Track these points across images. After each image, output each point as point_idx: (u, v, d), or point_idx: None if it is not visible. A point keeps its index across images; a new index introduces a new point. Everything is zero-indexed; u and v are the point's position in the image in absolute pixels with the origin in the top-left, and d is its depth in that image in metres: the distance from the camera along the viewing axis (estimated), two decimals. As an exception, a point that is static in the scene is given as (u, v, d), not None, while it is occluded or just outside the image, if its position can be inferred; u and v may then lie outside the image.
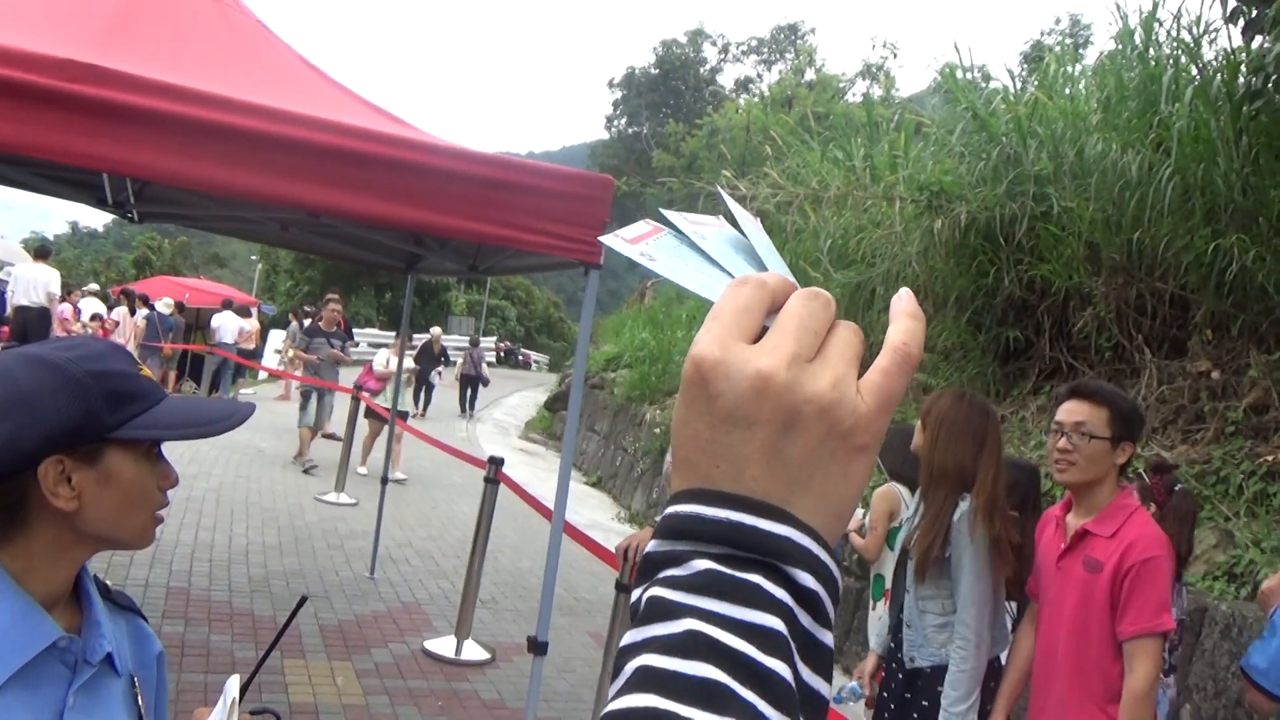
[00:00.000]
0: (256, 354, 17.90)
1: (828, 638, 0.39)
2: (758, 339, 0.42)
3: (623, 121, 35.91)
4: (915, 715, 2.82)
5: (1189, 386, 5.44)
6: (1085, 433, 2.45)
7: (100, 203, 5.12)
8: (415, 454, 10.86)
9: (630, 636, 0.38)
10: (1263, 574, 3.91)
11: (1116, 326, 6.01)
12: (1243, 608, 3.82)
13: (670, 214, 0.57)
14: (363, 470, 9.87)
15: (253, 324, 16.60)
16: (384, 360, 10.12)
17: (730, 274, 0.50)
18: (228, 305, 16.48)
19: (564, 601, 6.50)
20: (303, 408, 10.27)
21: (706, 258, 0.52)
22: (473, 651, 5.23)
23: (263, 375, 18.54)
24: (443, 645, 5.24)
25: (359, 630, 5.38)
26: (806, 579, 0.38)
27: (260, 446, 11.04)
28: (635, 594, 0.40)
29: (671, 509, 0.40)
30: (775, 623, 0.37)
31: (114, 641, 1.09)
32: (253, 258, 44.26)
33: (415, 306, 33.87)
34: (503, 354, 39.80)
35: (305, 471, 9.89)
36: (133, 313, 14.87)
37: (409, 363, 10.83)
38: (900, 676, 2.90)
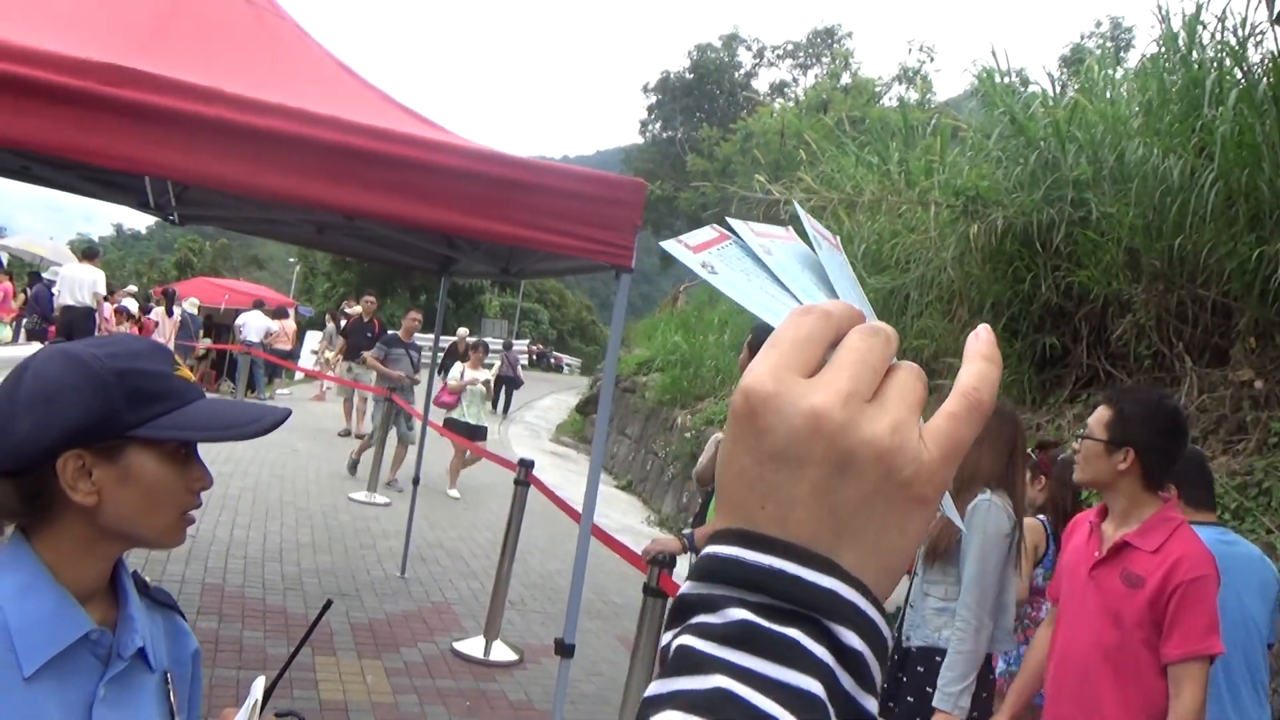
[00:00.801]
0: (293, 355, 18.15)
1: (871, 704, 0.36)
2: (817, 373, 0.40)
3: (657, 126, 35.95)
4: (909, 697, 2.93)
5: (1231, 396, 5.33)
6: (1086, 435, 2.50)
7: (142, 205, 5.23)
8: (448, 454, 10.94)
9: (656, 688, 0.36)
10: (1306, 588, 3.82)
11: (1156, 334, 5.91)
12: (1285, 623, 3.73)
13: (736, 223, 0.53)
14: (454, 494, 9.56)
15: (288, 325, 16.81)
16: (459, 374, 9.78)
17: (795, 296, 0.47)
18: (258, 305, 16.73)
19: (592, 605, 6.50)
20: (384, 426, 9.02)
21: (771, 275, 0.49)
22: (501, 652, 5.26)
23: (299, 376, 18.78)
24: (471, 646, 5.27)
25: (389, 629, 5.43)
26: (851, 637, 0.35)
27: (296, 446, 11.17)
28: (666, 638, 0.38)
29: (710, 549, 0.38)
30: (813, 685, 0.34)
31: (148, 637, 1.10)
32: (290, 260, 44.87)
33: (449, 309, 34.12)
34: (535, 357, 40.00)
35: (397, 490, 9.25)
36: (170, 313, 15.15)
37: (485, 374, 9.96)
38: (895, 657, 3.03)
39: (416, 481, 6.85)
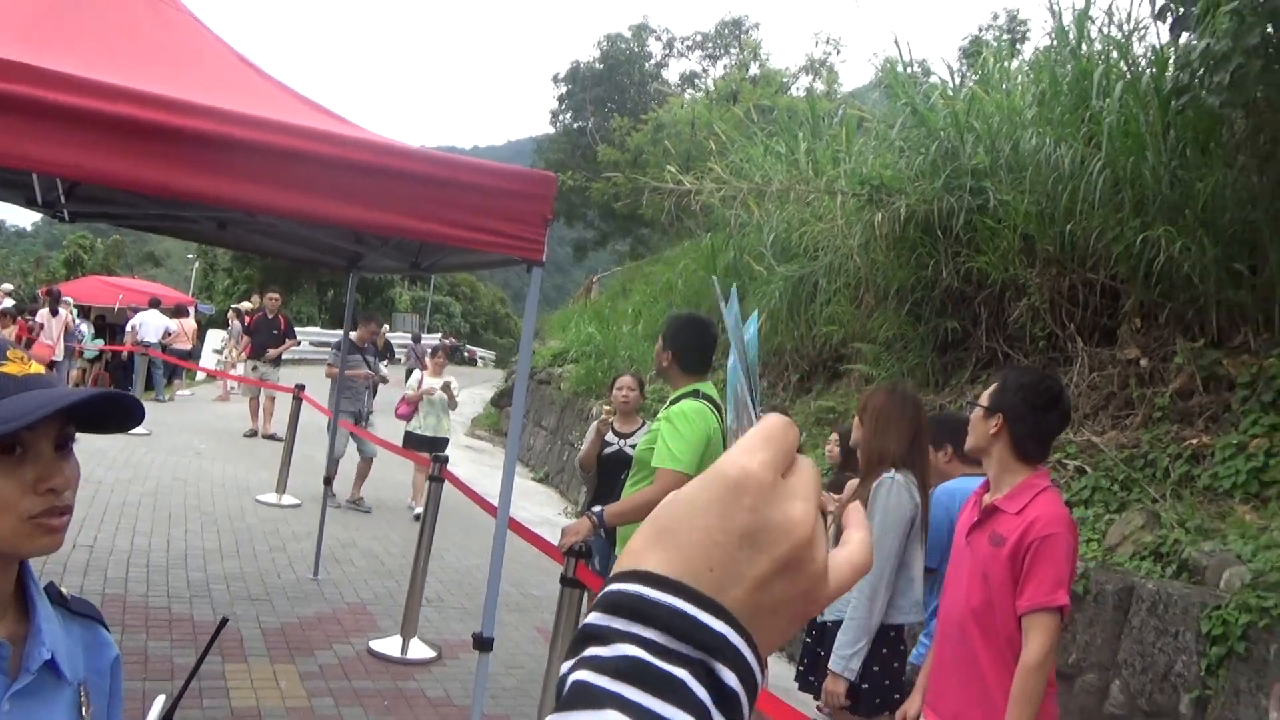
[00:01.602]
0: (194, 355, 17.52)
1: None
2: None
3: (567, 116, 35.73)
4: (819, 667, 3.17)
5: (1119, 374, 5.61)
6: (971, 401, 2.70)
7: (30, 202, 4.97)
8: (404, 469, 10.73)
9: None
10: (1187, 553, 4.06)
11: (1050, 316, 6.17)
12: (1168, 586, 3.95)
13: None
14: (417, 509, 8.30)
15: (187, 323, 16.21)
16: (416, 381, 9.05)
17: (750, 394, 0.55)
18: (155, 304, 16.11)
19: (511, 598, 6.48)
20: (349, 438, 8.59)
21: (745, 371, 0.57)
22: (419, 650, 5.20)
23: (200, 376, 18.14)
24: (388, 645, 5.20)
25: (302, 632, 5.31)
26: (732, 680, 0.39)
27: (199, 449, 10.81)
28: (564, 667, 0.40)
29: (615, 586, 0.40)
30: None
31: (60, 648, 1.07)
32: (189, 256, 43.23)
33: (358, 304, 33.40)
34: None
35: (359, 509, 8.80)
36: (55, 313, 14.45)
37: (445, 380, 8.99)
38: (814, 632, 3.24)
39: (328, 481, 6.71)
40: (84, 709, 1.10)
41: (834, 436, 4.88)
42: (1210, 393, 5.05)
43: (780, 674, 5.58)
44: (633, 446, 5.04)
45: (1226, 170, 5.34)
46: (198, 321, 19.35)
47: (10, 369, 0.99)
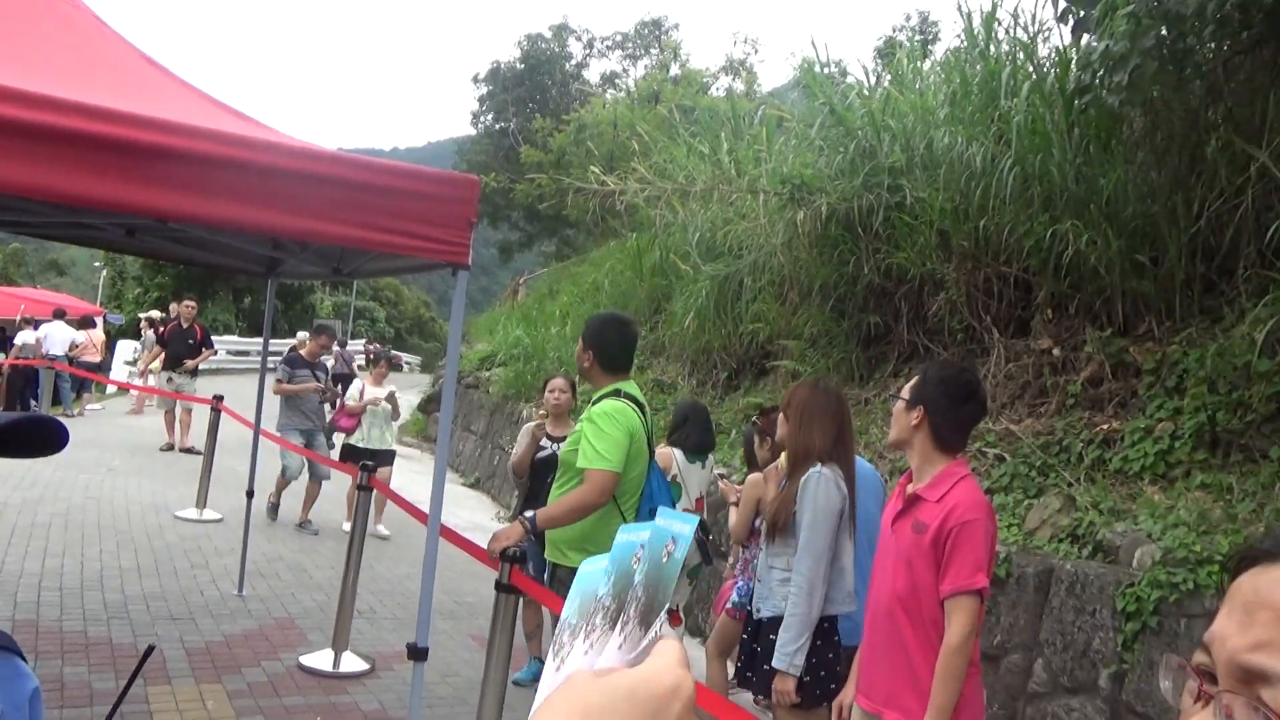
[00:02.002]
0: (103, 367, 16.86)
1: None
2: None
3: (489, 117, 35.41)
4: (758, 662, 3.17)
5: (1033, 363, 5.80)
6: (894, 394, 2.79)
7: (-82, 210, 4.72)
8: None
9: None
10: (1102, 534, 4.23)
11: (967, 309, 6.34)
12: (1085, 566, 4.11)
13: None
14: (347, 527, 7.89)
15: (95, 335, 15.59)
16: (358, 392, 8.53)
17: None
18: (59, 315, 15.48)
19: (445, 606, 6.41)
20: (291, 458, 8.44)
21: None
22: (351, 663, 5.10)
23: (111, 389, 17.49)
24: (319, 659, 5.09)
25: (229, 650, 5.16)
26: None
27: (112, 465, 10.42)
28: None
29: None
30: None
31: None
32: (96, 264, 41.59)
33: (278, 311, 32.55)
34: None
35: (301, 528, 8.45)
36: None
37: (389, 390, 8.56)
38: (750, 629, 3.26)
39: (250, 494, 6.54)
40: None
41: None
42: (1119, 379, 5.26)
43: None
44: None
45: (1127, 166, 5.57)
46: (107, 332, 18.63)
47: None
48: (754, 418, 5.18)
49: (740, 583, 4.53)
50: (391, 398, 8.50)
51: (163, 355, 12.42)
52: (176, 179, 2.74)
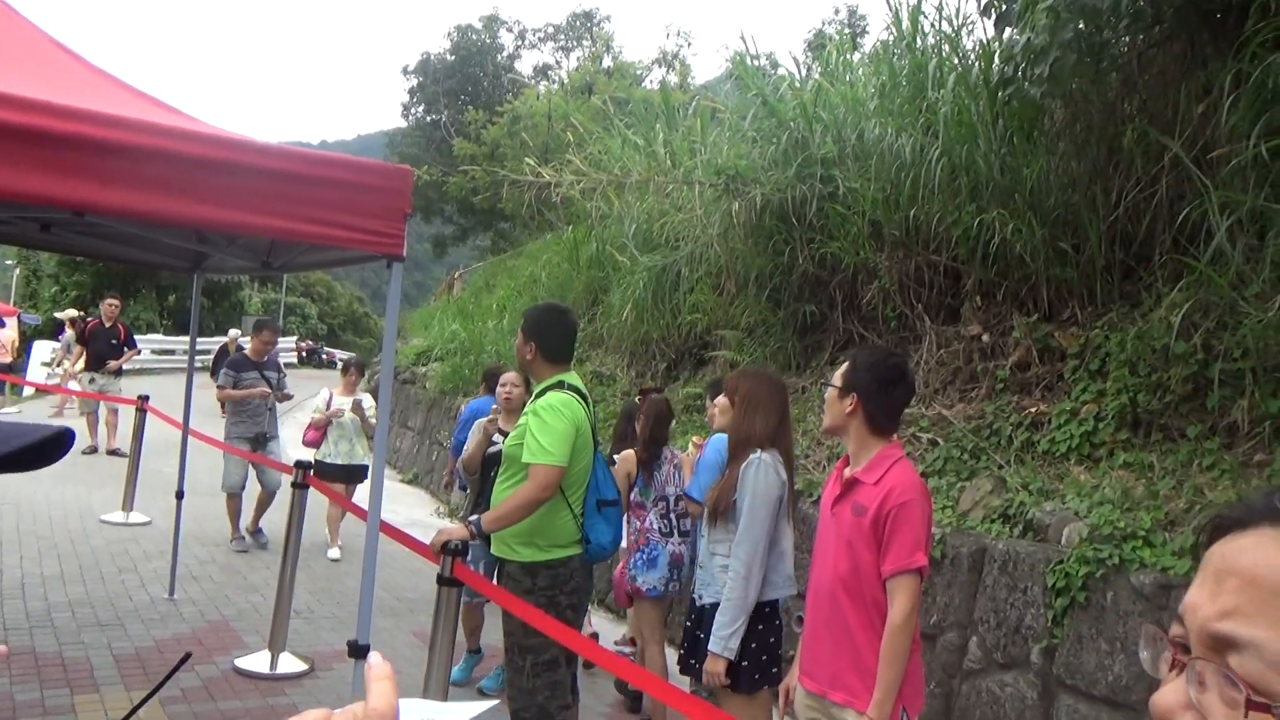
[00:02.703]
0: (14, 368, 16.22)
1: None
2: None
3: (420, 109, 34.86)
4: (699, 648, 3.19)
5: (963, 349, 5.94)
6: (826, 383, 2.81)
7: None
8: (217, 464, 10.19)
9: None
10: (1032, 513, 4.36)
11: (899, 297, 6.47)
12: (1016, 545, 4.23)
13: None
14: (334, 554, 7.74)
15: (6, 335, 14.98)
16: (324, 402, 7.81)
17: None
18: None
19: (385, 603, 6.32)
20: (231, 470, 7.76)
21: None
22: (289, 664, 5.01)
23: (28, 391, 16.83)
24: (256, 661, 4.98)
25: (160, 655, 5.03)
26: None
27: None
28: None
29: None
30: None
31: None
32: (8, 262, 39.94)
33: (204, 308, 31.67)
34: (305, 354, 37.98)
35: (242, 545, 7.81)
36: None
37: (358, 399, 7.87)
38: (694, 615, 3.28)
39: (180, 495, 6.36)
40: None
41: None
42: (1045, 363, 5.42)
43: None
44: None
45: (1049, 157, 5.72)
46: (23, 333, 17.93)
47: None
48: (634, 396, 5.35)
49: (634, 558, 4.66)
50: (358, 407, 7.75)
51: (84, 355, 11.99)
52: (93, 169, 2.64)
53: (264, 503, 7.90)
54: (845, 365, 2.78)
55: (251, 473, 7.81)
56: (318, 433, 7.78)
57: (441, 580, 3.34)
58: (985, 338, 5.85)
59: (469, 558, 3.51)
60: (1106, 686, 3.71)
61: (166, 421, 8.27)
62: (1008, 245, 5.58)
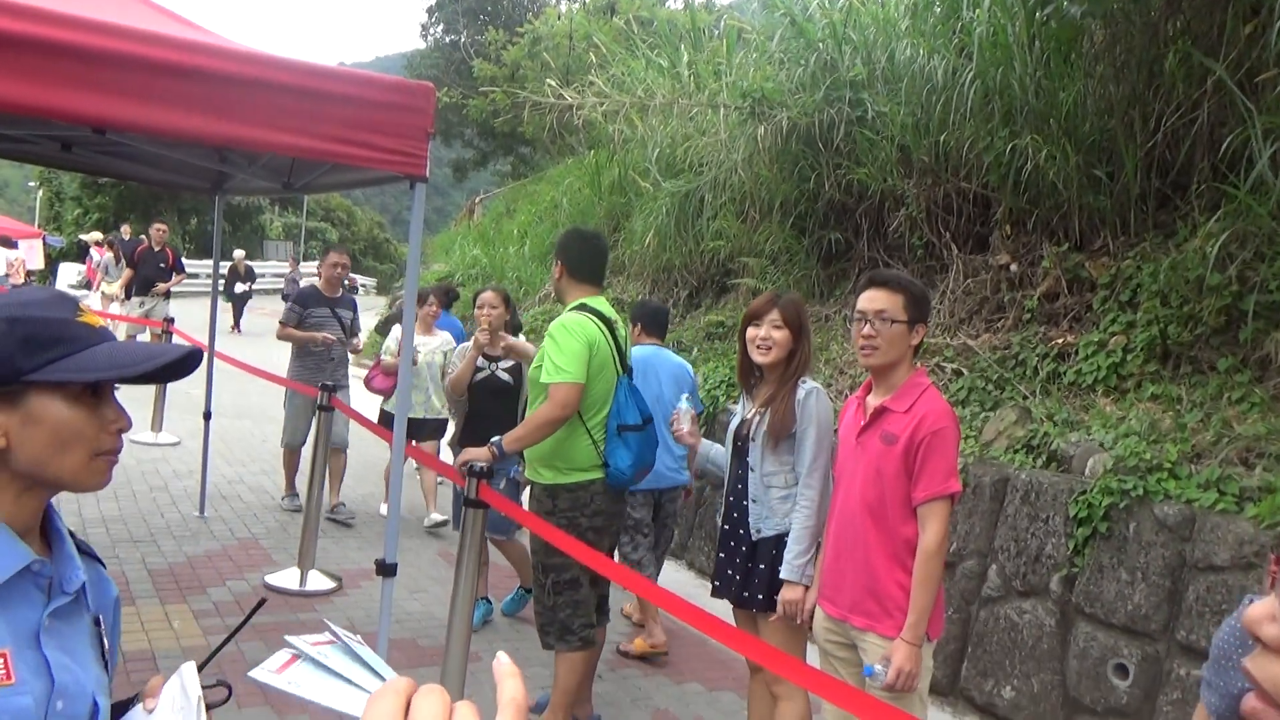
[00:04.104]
0: (44, 290, 16.33)
1: None
2: None
3: (439, 30, 34.17)
4: (755, 580, 3.09)
5: (991, 279, 5.86)
6: (886, 318, 2.66)
7: None
8: (245, 387, 10.32)
9: None
10: (1056, 444, 4.34)
11: (927, 225, 6.36)
12: (1039, 475, 4.23)
13: (293, 639, 0.72)
14: (437, 517, 6.45)
15: (15, 255, 15.00)
16: (395, 345, 6.34)
17: (361, 687, 0.68)
18: None
19: (410, 525, 6.43)
20: (294, 421, 6.58)
21: (339, 676, 0.71)
22: (318, 581, 5.13)
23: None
24: (285, 578, 5.10)
25: (192, 571, 5.16)
26: None
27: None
28: None
29: None
30: None
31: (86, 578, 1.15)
32: (31, 184, 40.03)
33: (225, 232, 31.72)
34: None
35: (294, 504, 6.63)
36: None
37: (439, 342, 6.54)
38: (744, 548, 3.15)
39: (207, 416, 6.45)
40: (104, 637, 1.19)
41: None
42: (1074, 294, 5.34)
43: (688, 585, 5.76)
44: (505, 370, 4.93)
45: (1087, 80, 5.54)
46: (48, 255, 18.04)
47: (89, 320, 1.12)
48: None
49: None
50: (446, 354, 6.42)
51: (132, 279, 12.09)
52: (114, 84, 2.60)
53: (336, 468, 6.57)
54: (898, 298, 2.67)
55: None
56: (390, 380, 6.40)
57: (467, 502, 3.38)
58: (1013, 267, 5.76)
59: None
60: (1125, 615, 3.74)
61: (191, 343, 8.33)
62: (1040, 172, 5.45)
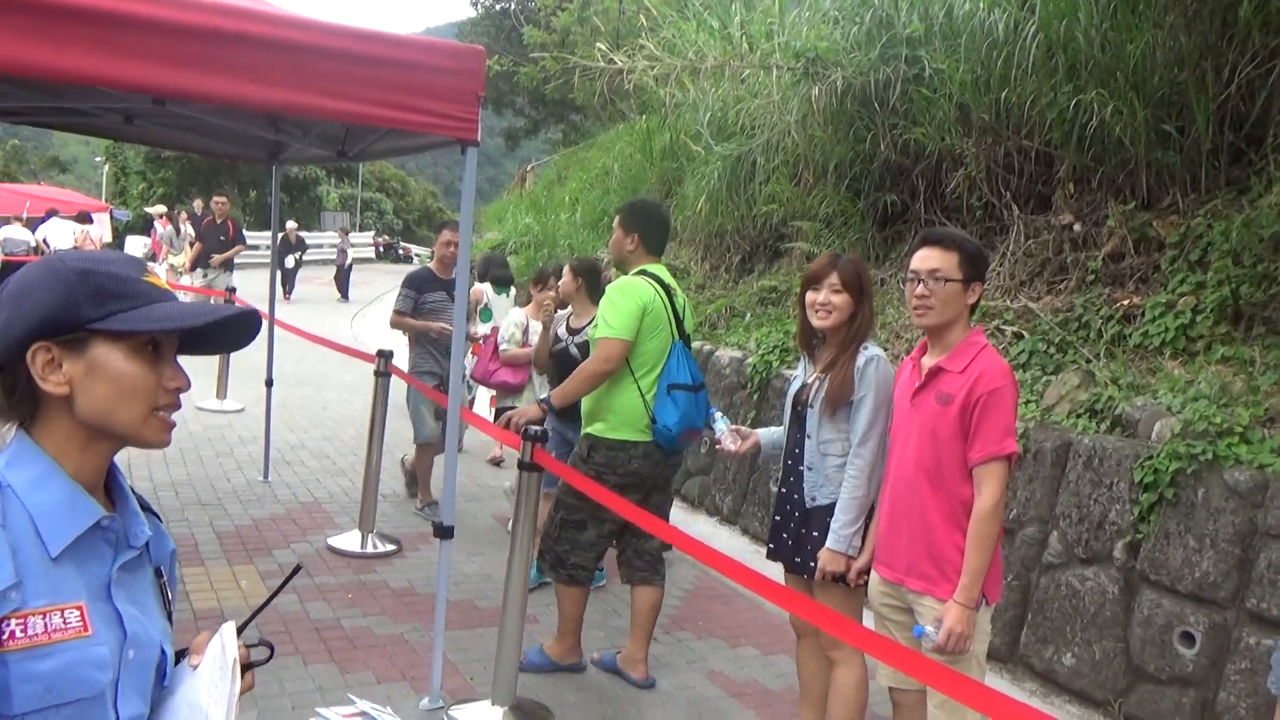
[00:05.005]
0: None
1: None
2: None
3: (489, -3, 34.12)
4: (808, 546, 3.04)
5: (1053, 240, 5.70)
6: (940, 277, 2.61)
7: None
8: (304, 354, 10.54)
9: None
10: (1121, 409, 4.23)
11: (986, 186, 6.20)
12: (1103, 440, 4.12)
13: (324, 711, 0.93)
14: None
15: (95, 230, 15.41)
16: (519, 326, 5.72)
17: None
18: (52, 214, 15.34)
19: (466, 489, 6.53)
20: (424, 414, 5.87)
21: None
22: (378, 544, 5.23)
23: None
24: (347, 540, 5.22)
25: (258, 533, 5.30)
26: None
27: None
28: None
29: None
30: None
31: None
32: (97, 159, 41.08)
33: (284, 204, 32.24)
34: (382, 249, 38.53)
35: (434, 513, 5.30)
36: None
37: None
38: (797, 514, 3.11)
39: (269, 383, 6.59)
40: (166, 589, 1.25)
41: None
42: (1141, 254, 5.17)
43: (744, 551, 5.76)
44: (577, 345, 4.86)
45: (1156, 31, 5.33)
46: (115, 229, 18.52)
47: (154, 280, 1.15)
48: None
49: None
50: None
51: (199, 251, 12.39)
52: (171, 54, 2.63)
53: (426, 461, 6.07)
54: (953, 256, 2.61)
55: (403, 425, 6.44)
56: (519, 373, 5.65)
57: (523, 465, 3.41)
58: (1077, 227, 5.60)
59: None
60: (1193, 582, 3.65)
61: (248, 306, 8.49)
62: (1106, 128, 5.27)
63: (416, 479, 6.18)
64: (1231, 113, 5.02)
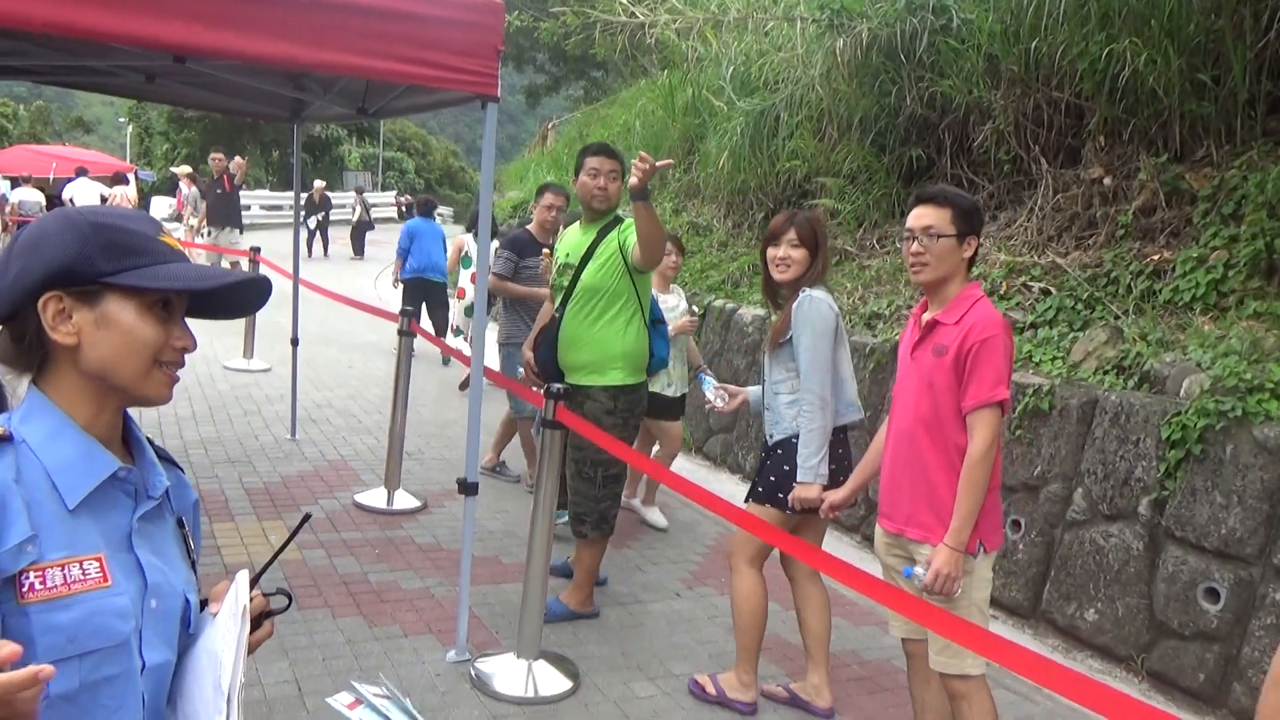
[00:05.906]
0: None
1: None
2: None
3: (509, -49, 33.69)
4: (771, 478, 3.28)
5: (1082, 194, 5.60)
6: (934, 233, 2.63)
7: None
8: (327, 315, 10.61)
9: None
10: (1149, 365, 4.18)
11: (1015, 139, 6.09)
12: (1130, 397, 4.08)
13: (358, 685, 0.99)
14: (658, 520, 5.42)
15: (128, 191, 15.54)
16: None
17: None
18: (81, 173, 15.44)
19: (490, 445, 6.57)
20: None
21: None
22: (404, 501, 5.30)
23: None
24: (373, 497, 5.29)
25: (286, 490, 5.38)
26: None
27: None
28: None
29: None
30: None
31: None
32: (120, 120, 41.22)
33: (306, 163, 32.26)
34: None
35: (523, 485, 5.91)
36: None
37: (669, 298, 5.22)
38: (764, 453, 3.38)
39: (295, 343, 6.64)
40: (189, 539, 1.26)
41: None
42: (1172, 208, 5.07)
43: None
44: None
45: (1194, -25, 5.18)
46: (140, 190, 18.63)
47: (169, 240, 1.16)
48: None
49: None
50: (692, 313, 5.27)
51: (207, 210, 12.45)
52: (191, 10, 2.63)
53: (506, 434, 6.02)
54: (946, 212, 2.64)
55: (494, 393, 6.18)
56: None
57: (546, 423, 3.42)
58: (1107, 181, 5.49)
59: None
60: (1219, 539, 3.63)
61: (278, 272, 8.56)
62: (1139, 78, 5.15)
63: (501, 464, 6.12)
64: (1270, 61, 4.88)
